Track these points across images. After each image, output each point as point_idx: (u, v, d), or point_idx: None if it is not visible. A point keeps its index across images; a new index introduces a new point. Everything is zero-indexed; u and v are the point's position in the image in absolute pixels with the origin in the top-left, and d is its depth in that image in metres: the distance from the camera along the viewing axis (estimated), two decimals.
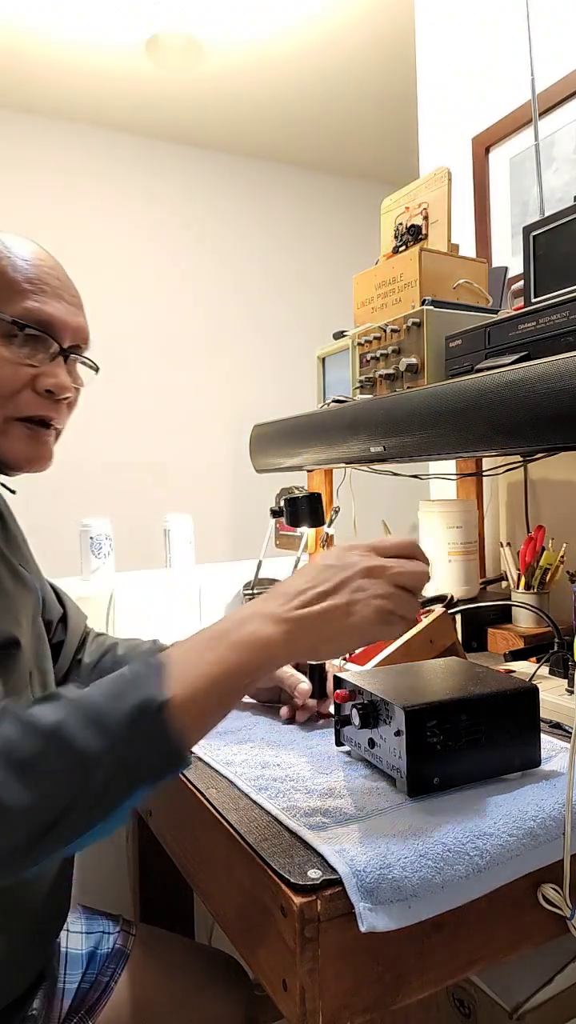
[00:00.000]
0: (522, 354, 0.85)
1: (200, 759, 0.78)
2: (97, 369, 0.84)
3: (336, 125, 3.19)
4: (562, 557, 1.22)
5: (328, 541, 1.49)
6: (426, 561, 0.64)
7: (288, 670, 0.89)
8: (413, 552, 0.63)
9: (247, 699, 0.98)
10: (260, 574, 1.37)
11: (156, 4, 2.35)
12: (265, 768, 0.74)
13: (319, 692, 0.87)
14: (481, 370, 0.88)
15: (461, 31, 1.68)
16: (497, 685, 0.70)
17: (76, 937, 0.89)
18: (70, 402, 0.81)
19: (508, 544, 1.31)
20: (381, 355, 1.12)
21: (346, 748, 0.78)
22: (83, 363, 0.83)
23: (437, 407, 0.89)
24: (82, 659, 0.94)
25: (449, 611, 1.03)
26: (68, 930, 0.89)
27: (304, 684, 0.87)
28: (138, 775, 0.52)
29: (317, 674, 0.87)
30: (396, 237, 1.23)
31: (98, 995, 0.84)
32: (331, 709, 0.86)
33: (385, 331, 1.12)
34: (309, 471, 1.52)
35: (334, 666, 0.93)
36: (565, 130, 1.39)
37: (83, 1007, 0.82)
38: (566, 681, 0.96)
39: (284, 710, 0.89)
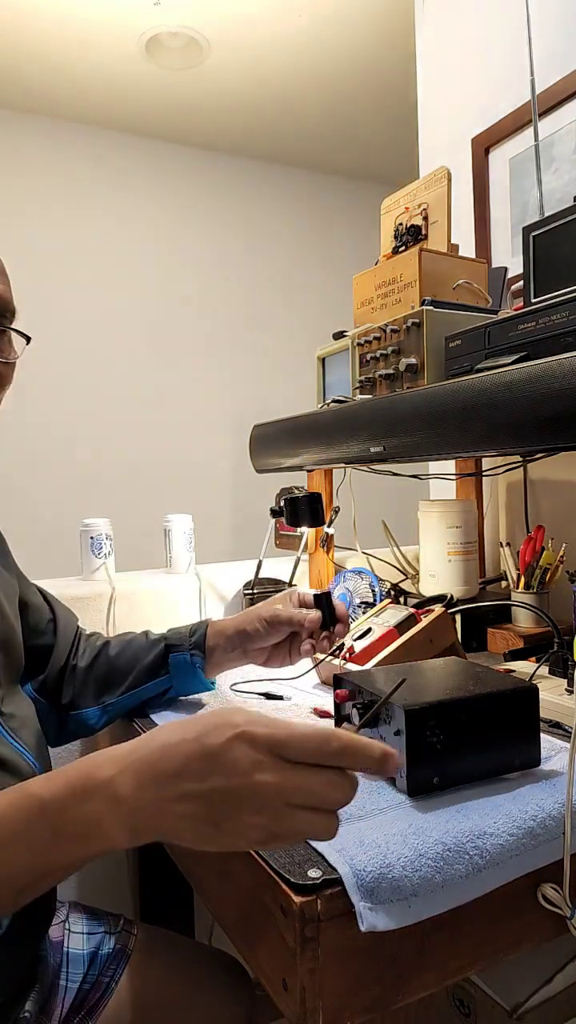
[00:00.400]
0: (522, 354, 0.86)
1: None
2: (28, 339, 0.75)
3: (336, 125, 3.19)
4: (561, 557, 1.22)
5: (328, 541, 1.50)
6: (363, 764, 0.46)
7: (288, 611, 0.88)
8: (337, 760, 0.45)
9: (262, 672, 1.00)
10: (260, 574, 1.37)
11: (156, 4, 2.35)
12: None
13: (330, 621, 0.87)
14: (481, 370, 0.88)
15: (461, 32, 1.68)
16: (497, 685, 0.70)
17: (77, 937, 0.88)
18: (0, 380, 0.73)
19: (508, 544, 1.32)
20: (381, 355, 1.13)
21: None
22: (3, 332, 0.73)
23: (437, 407, 0.90)
24: (76, 664, 0.93)
25: (449, 611, 1.03)
26: (70, 930, 0.89)
27: (312, 615, 0.86)
28: None
29: (324, 603, 0.87)
30: (396, 237, 1.23)
31: (99, 995, 0.84)
32: (345, 637, 0.87)
33: (385, 331, 1.12)
34: (309, 471, 1.52)
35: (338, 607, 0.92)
36: (565, 131, 1.40)
37: (84, 1007, 0.82)
38: (566, 681, 0.96)
39: (306, 646, 0.89)
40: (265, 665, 0.94)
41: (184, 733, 0.47)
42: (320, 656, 0.91)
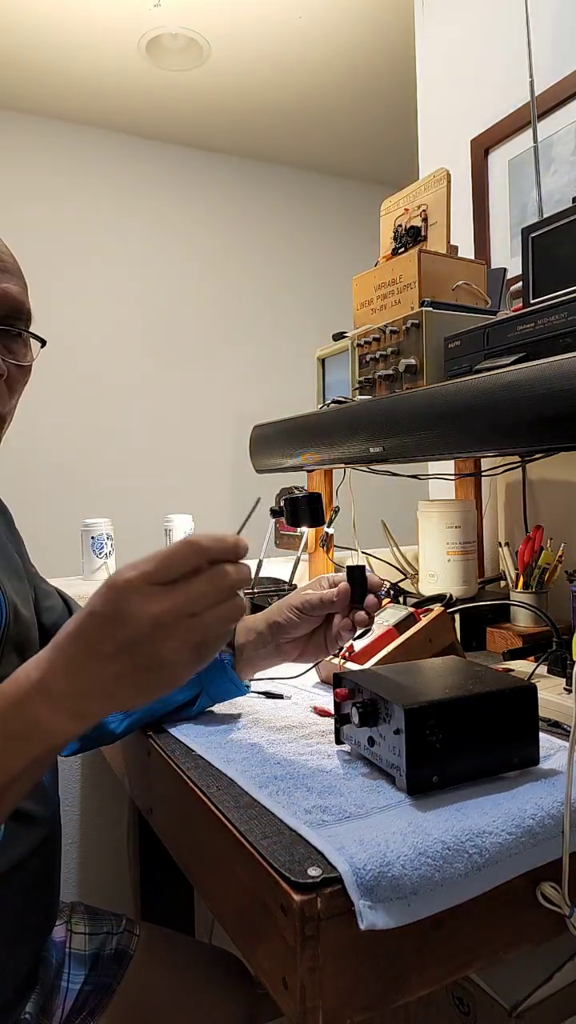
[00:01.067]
0: (521, 355, 0.86)
1: (201, 756, 0.78)
2: (43, 343, 0.74)
3: (335, 126, 3.19)
4: (560, 556, 1.22)
5: (328, 541, 1.50)
6: (230, 552, 0.51)
7: (319, 592, 0.81)
8: (203, 553, 0.50)
9: (294, 668, 0.94)
10: (260, 574, 1.37)
11: (157, 6, 2.35)
12: (265, 766, 0.74)
13: (359, 597, 0.79)
14: (480, 371, 0.89)
15: (460, 33, 1.68)
16: (496, 684, 0.70)
17: (80, 938, 0.89)
18: (10, 382, 0.72)
19: (507, 544, 1.32)
20: (380, 356, 1.13)
21: (345, 746, 0.78)
22: (16, 335, 0.72)
23: (436, 408, 0.90)
24: None
25: (448, 610, 1.03)
26: (72, 931, 0.89)
27: (342, 586, 0.79)
28: None
29: (357, 576, 0.79)
30: (395, 239, 1.23)
31: (101, 996, 0.84)
32: (375, 613, 0.80)
33: (384, 332, 1.12)
34: (309, 471, 1.52)
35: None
36: (564, 132, 1.40)
37: (85, 1008, 0.83)
38: (564, 680, 0.96)
39: (342, 621, 0.81)
40: (300, 660, 0.86)
41: (80, 614, 0.51)
42: (358, 633, 0.82)
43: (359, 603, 0.80)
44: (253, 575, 1.37)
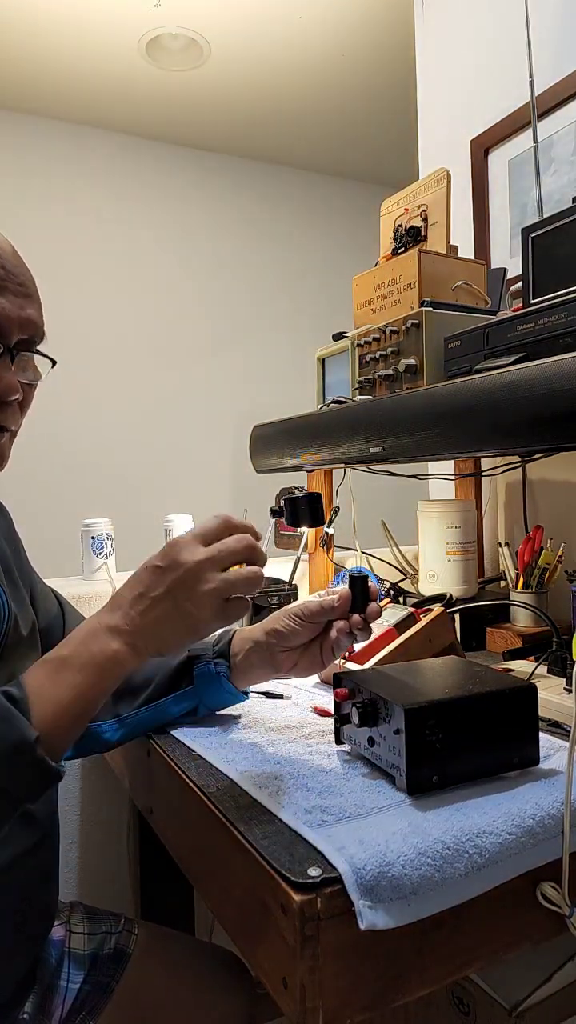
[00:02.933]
0: (521, 355, 0.86)
1: (201, 756, 0.78)
2: (54, 363, 0.77)
3: (335, 126, 3.19)
4: (560, 556, 1.22)
5: (328, 541, 1.50)
6: (252, 532, 0.66)
7: (313, 600, 0.82)
8: (234, 528, 0.66)
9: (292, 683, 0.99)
10: None
11: (157, 6, 2.35)
12: (265, 765, 0.74)
13: (361, 605, 0.79)
14: (480, 371, 0.89)
15: (460, 33, 1.68)
16: (496, 684, 0.70)
17: (79, 938, 0.89)
18: (22, 401, 0.74)
19: (506, 544, 1.32)
20: (380, 356, 1.13)
21: (345, 746, 0.78)
22: (35, 357, 0.75)
23: (436, 408, 0.90)
24: None
25: (448, 610, 1.03)
26: (71, 931, 0.89)
27: (342, 591, 0.80)
28: (18, 797, 0.60)
29: (358, 585, 0.80)
30: (395, 239, 1.23)
31: (100, 996, 0.84)
32: (376, 616, 0.80)
33: (384, 332, 1.12)
34: (309, 471, 1.52)
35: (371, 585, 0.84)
36: (564, 132, 1.40)
37: (84, 1008, 0.82)
38: (564, 680, 0.96)
39: (340, 624, 0.81)
40: (293, 673, 0.83)
41: (144, 565, 0.65)
42: (356, 643, 0.82)
43: (361, 611, 0.79)
44: None
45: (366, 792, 0.67)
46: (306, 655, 0.82)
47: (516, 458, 1.37)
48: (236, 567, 0.65)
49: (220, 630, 0.89)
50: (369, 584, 0.80)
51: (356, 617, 0.79)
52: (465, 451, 0.89)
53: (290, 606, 0.84)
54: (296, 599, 1.36)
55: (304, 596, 1.51)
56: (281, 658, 0.82)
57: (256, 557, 0.66)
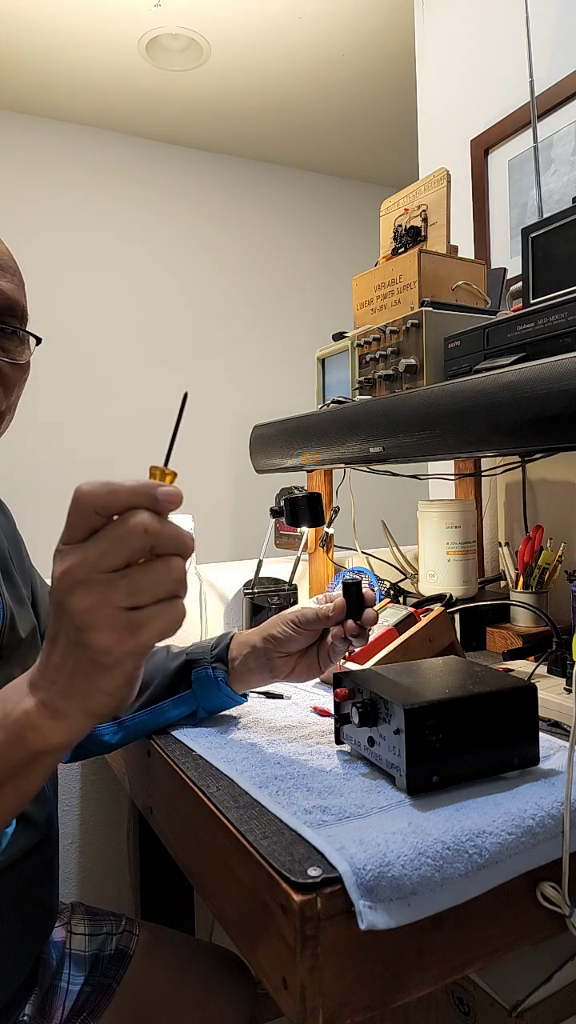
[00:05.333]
0: (521, 355, 0.86)
1: (201, 756, 0.78)
2: (39, 340, 0.73)
3: (336, 127, 3.19)
4: (560, 556, 1.22)
5: (328, 541, 1.50)
6: (149, 495, 0.45)
7: (315, 607, 0.81)
8: (104, 510, 0.44)
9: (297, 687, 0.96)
10: (260, 574, 1.37)
11: (157, 6, 2.35)
12: (265, 766, 0.74)
13: (356, 612, 0.79)
14: (480, 371, 0.89)
15: (460, 33, 1.68)
16: (496, 684, 0.70)
17: (80, 939, 0.88)
18: (7, 381, 0.71)
19: (506, 544, 1.32)
20: (380, 356, 1.13)
21: (345, 746, 0.78)
22: (12, 334, 0.70)
23: (436, 408, 0.90)
24: None
25: (448, 610, 1.03)
26: (72, 932, 0.89)
27: (338, 600, 0.79)
28: None
29: (353, 591, 0.80)
30: (395, 239, 1.23)
31: (101, 997, 0.84)
32: (373, 625, 0.80)
33: (384, 332, 1.12)
34: (309, 471, 1.52)
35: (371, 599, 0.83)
36: (564, 132, 1.40)
37: (85, 1009, 0.82)
38: (564, 680, 0.96)
39: (335, 630, 0.81)
40: (291, 678, 0.83)
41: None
42: (353, 649, 0.84)
43: (356, 617, 0.79)
44: (253, 575, 1.37)
45: (366, 792, 0.67)
46: (303, 660, 0.82)
47: (516, 458, 1.37)
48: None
49: (219, 633, 0.89)
50: (364, 590, 0.80)
51: (351, 624, 0.79)
52: (465, 451, 0.89)
53: (287, 612, 0.84)
54: (296, 599, 1.36)
55: (304, 596, 1.51)
56: (278, 663, 0.82)
57: (162, 540, 0.44)
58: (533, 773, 0.70)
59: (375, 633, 0.99)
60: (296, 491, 1.30)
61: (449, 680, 0.72)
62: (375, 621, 0.80)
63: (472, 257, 1.44)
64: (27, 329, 0.73)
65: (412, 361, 1.05)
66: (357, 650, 0.96)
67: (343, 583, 0.80)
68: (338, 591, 0.82)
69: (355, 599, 0.79)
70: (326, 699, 0.97)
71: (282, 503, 1.28)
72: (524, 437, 0.78)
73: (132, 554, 0.43)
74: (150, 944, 0.92)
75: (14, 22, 2.43)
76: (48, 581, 0.93)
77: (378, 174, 3.61)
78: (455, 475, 1.55)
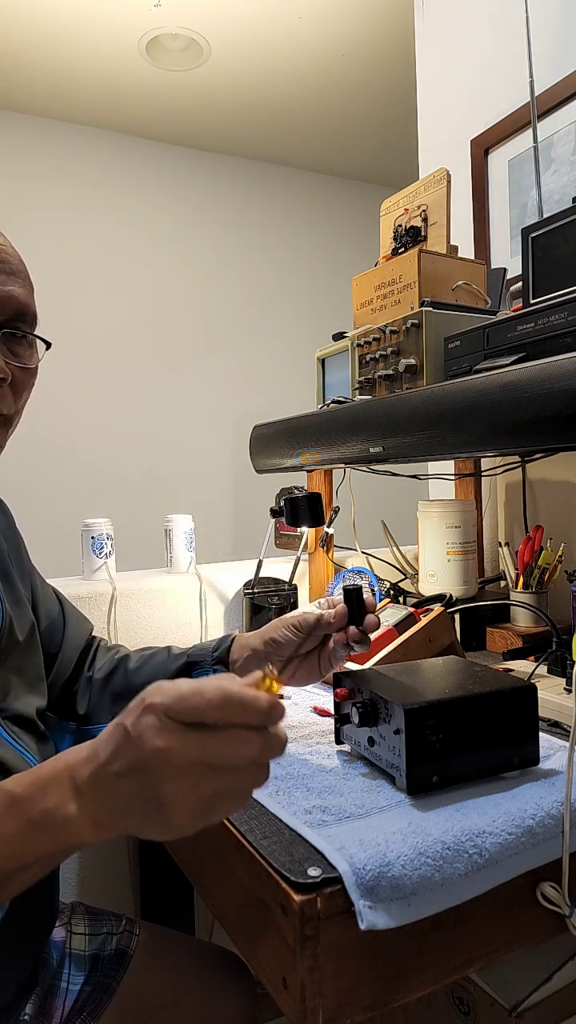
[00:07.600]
0: (521, 355, 0.86)
1: None
2: (48, 345, 0.74)
3: (336, 127, 3.19)
4: (560, 556, 1.22)
5: (328, 541, 1.50)
6: (252, 718, 0.45)
7: (316, 612, 0.81)
8: (221, 715, 0.45)
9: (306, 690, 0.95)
10: (260, 574, 1.37)
11: (157, 6, 2.35)
12: None
13: (357, 618, 0.79)
14: (480, 371, 0.89)
15: (460, 33, 1.68)
16: (496, 684, 0.70)
17: (80, 939, 0.88)
18: (16, 385, 0.71)
19: (506, 544, 1.32)
20: (380, 356, 1.13)
21: (345, 746, 0.78)
22: (22, 338, 0.71)
23: (436, 408, 0.90)
24: (93, 675, 0.89)
25: (448, 610, 1.03)
26: (72, 932, 0.89)
27: (339, 607, 0.79)
28: None
29: (354, 597, 0.80)
30: (395, 239, 1.23)
31: (101, 997, 0.84)
32: (375, 630, 0.80)
33: (384, 332, 1.12)
34: (309, 471, 1.52)
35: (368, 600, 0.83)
36: (564, 132, 1.40)
37: (85, 1009, 0.82)
38: (564, 680, 0.96)
39: (338, 636, 0.81)
40: (291, 683, 0.83)
41: (115, 719, 0.48)
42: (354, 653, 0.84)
43: (358, 623, 0.80)
44: (253, 575, 1.37)
45: (366, 792, 0.67)
46: (304, 665, 0.82)
47: (516, 458, 1.37)
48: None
49: (220, 635, 0.89)
50: (365, 596, 0.80)
51: (353, 630, 0.79)
52: (465, 451, 0.89)
53: (289, 616, 0.84)
54: (296, 599, 1.36)
55: (304, 596, 1.51)
56: (278, 667, 0.82)
57: (265, 754, 0.46)
58: (533, 773, 0.70)
59: (375, 633, 0.99)
60: (296, 491, 1.30)
61: (449, 680, 0.72)
62: (377, 627, 0.81)
63: (472, 257, 1.44)
64: (36, 333, 0.73)
65: (412, 361, 1.05)
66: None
67: (344, 589, 0.81)
68: (339, 595, 0.82)
69: (356, 605, 0.79)
70: (326, 699, 0.97)
71: (282, 503, 1.28)
72: (524, 437, 0.78)
73: (237, 762, 0.45)
74: (150, 944, 0.92)
75: (14, 22, 2.43)
76: (47, 580, 0.94)
77: (378, 174, 3.61)
78: (455, 475, 1.55)
